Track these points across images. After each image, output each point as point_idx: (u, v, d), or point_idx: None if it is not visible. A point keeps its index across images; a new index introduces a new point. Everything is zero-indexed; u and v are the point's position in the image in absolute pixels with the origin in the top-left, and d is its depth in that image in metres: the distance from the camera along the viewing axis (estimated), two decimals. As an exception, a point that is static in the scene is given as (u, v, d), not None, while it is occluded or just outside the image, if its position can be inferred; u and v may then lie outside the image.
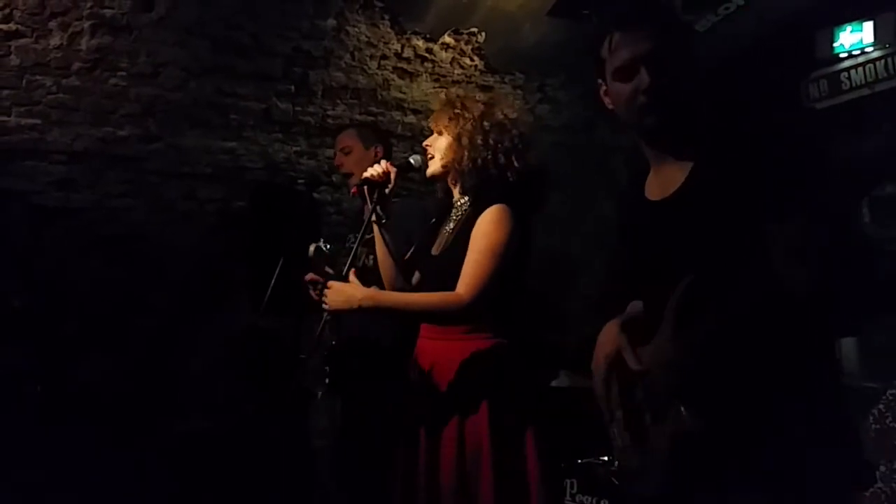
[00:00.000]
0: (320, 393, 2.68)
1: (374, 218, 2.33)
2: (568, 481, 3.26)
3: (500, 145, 2.18)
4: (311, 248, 2.64)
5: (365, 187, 2.33)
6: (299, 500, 3.78)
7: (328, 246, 2.69)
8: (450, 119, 2.25)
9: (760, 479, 1.38)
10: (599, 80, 1.57)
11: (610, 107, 1.56)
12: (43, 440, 3.46)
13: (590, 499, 3.21)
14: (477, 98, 2.29)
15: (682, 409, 1.37)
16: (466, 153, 2.19)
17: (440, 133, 2.29)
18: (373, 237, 2.41)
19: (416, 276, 2.39)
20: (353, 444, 2.84)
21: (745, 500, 1.40)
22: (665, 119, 1.47)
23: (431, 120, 2.35)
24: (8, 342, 3.55)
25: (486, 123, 2.21)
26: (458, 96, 2.32)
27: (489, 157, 2.17)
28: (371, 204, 2.31)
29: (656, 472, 1.46)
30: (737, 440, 1.38)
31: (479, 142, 2.19)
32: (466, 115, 2.23)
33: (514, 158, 2.18)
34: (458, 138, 2.22)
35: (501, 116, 2.24)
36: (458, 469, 2.10)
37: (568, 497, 3.25)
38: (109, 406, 3.67)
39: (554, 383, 3.77)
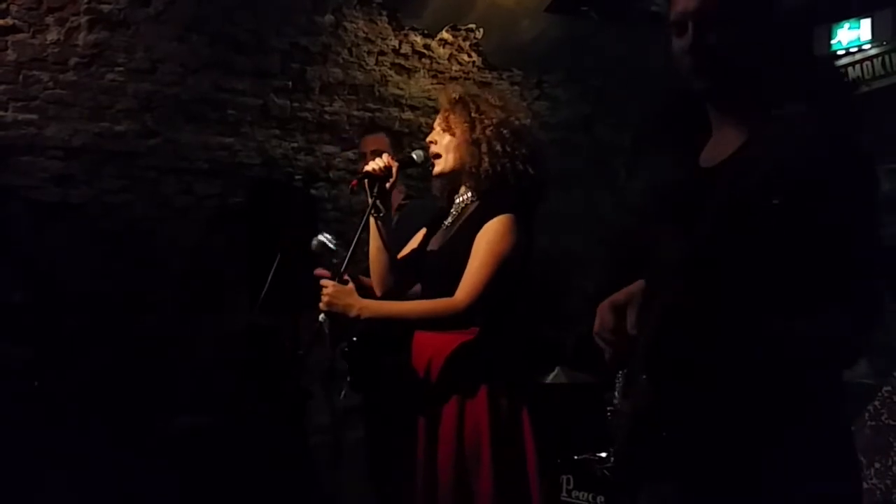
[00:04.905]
0: (343, 392, 2.66)
1: (372, 211, 2.33)
2: (564, 477, 3.26)
3: (517, 153, 2.19)
4: (315, 241, 2.61)
5: (366, 181, 2.34)
6: (298, 498, 3.78)
7: (330, 237, 2.65)
8: (465, 121, 2.24)
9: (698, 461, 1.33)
10: (670, 34, 1.46)
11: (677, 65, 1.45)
12: (41, 437, 3.46)
13: (585, 495, 3.22)
14: (490, 101, 2.27)
15: (644, 377, 1.33)
16: (487, 159, 2.19)
17: (448, 131, 2.27)
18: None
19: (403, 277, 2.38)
20: (352, 442, 2.85)
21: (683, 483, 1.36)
22: (714, 82, 1.37)
23: (440, 117, 2.31)
24: (6, 338, 3.55)
25: (504, 130, 2.20)
26: (470, 96, 2.29)
27: (507, 164, 2.18)
28: (371, 197, 2.32)
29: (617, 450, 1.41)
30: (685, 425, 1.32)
31: (499, 149, 2.19)
32: (485, 120, 2.21)
33: (529, 167, 2.20)
34: (475, 143, 2.21)
35: (518, 123, 2.24)
36: (456, 462, 2.11)
37: (564, 493, 3.25)
38: (107, 402, 3.67)
39: (550, 379, 3.76)
